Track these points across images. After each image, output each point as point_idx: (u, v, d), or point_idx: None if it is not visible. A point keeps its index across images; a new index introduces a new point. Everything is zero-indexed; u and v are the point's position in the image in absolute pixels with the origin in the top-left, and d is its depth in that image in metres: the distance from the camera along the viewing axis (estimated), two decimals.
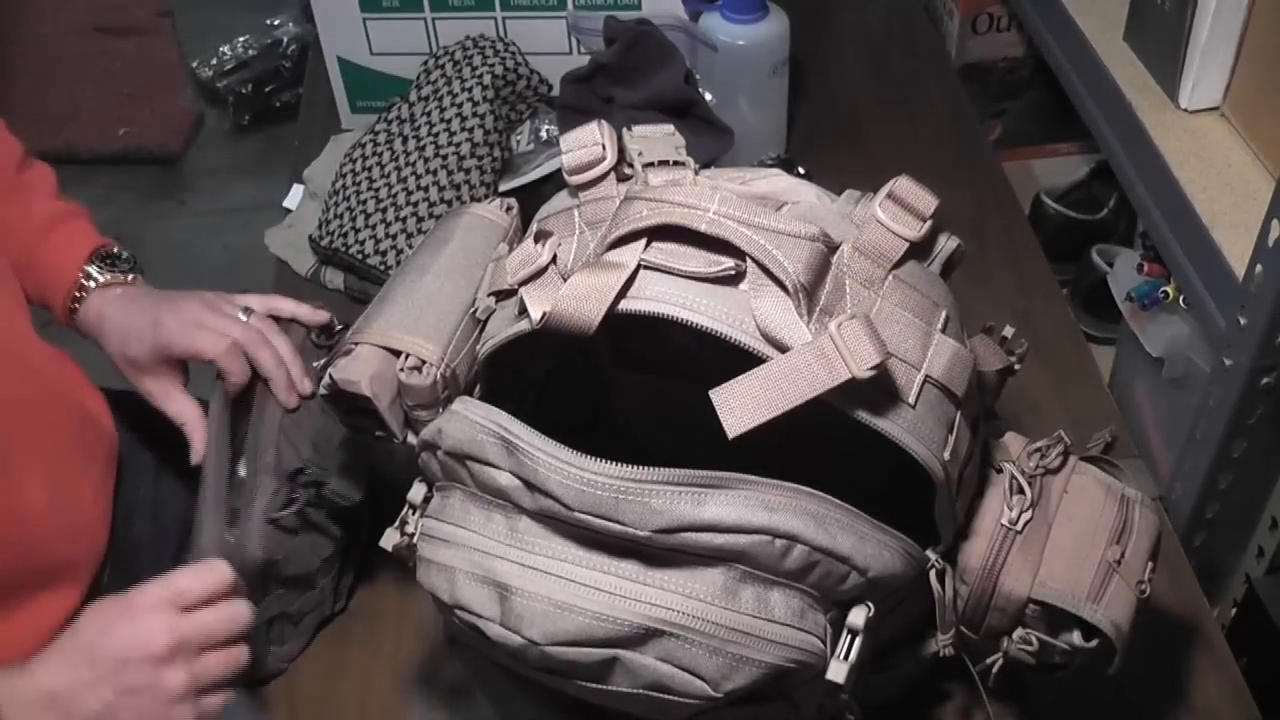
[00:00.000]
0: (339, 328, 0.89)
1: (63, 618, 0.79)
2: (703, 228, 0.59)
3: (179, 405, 0.86)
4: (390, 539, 0.66)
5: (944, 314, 0.64)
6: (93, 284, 0.89)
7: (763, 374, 0.56)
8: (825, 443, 0.67)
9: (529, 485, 0.58)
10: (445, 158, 1.09)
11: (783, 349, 0.57)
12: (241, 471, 0.82)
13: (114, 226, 2.44)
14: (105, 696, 0.66)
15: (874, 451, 0.61)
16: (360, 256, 1.09)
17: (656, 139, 0.69)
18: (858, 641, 0.60)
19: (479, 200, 1.05)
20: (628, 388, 0.88)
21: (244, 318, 0.86)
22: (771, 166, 1.01)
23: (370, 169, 1.13)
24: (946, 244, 0.67)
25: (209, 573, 0.71)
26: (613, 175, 0.67)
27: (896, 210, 0.64)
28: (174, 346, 0.84)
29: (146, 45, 2.62)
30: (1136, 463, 0.73)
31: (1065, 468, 0.70)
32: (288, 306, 0.89)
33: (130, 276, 0.90)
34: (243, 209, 2.45)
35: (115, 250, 0.92)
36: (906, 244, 0.63)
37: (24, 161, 0.93)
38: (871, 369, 0.56)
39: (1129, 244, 1.32)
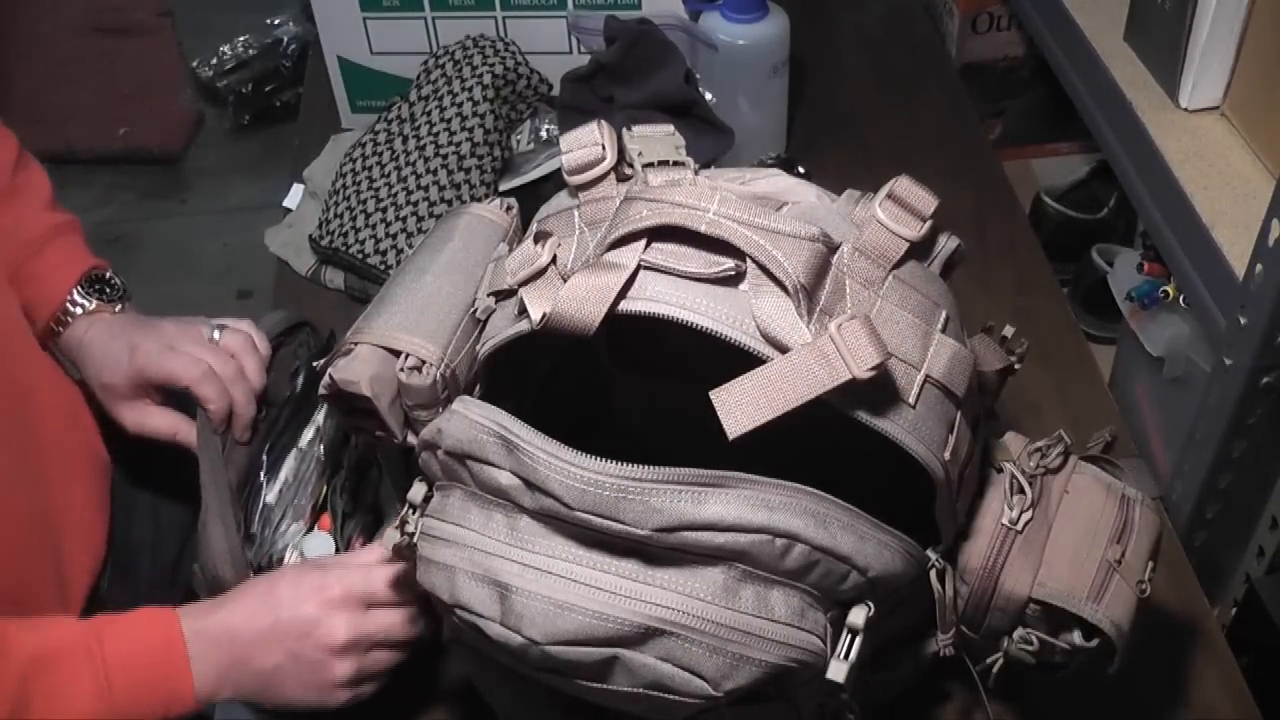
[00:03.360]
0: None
1: None
2: (702, 228, 0.59)
3: (159, 420, 0.85)
4: (390, 539, 0.66)
5: (944, 314, 0.64)
6: (79, 310, 0.87)
7: (763, 375, 0.56)
8: (825, 443, 0.67)
9: (529, 484, 0.58)
10: (445, 157, 1.09)
11: (783, 349, 0.57)
12: (270, 498, 0.81)
13: (114, 226, 2.47)
14: (277, 657, 0.70)
15: (874, 451, 0.61)
16: (360, 256, 1.09)
17: (656, 139, 0.69)
18: (858, 641, 0.60)
19: (479, 200, 1.05)
20: (628, 388, 0.88)
21: (216, 335, 0.85)
22: (771, 166, 1.01)
23: (370, 169, 1.13)
24: (946, 244, 0.67)
25: (402, 581, 0.73)
26: (612, 175, 0.67)
27: (896, 210, 0.64)
28: (149, 370, 0.83)
29: (146, 45, 2.62)
30: (1137, 462, 0.73)
31: (1065, 467, 0.70)
32: (258, 340, 0.87)
33: (119, 305, 0.88)
34: (243, 209, 2.45)
35: (106, 275, 0.89)
36: (906, 244, 0.63)
37: (20, 162, 0.91)
38: (872, 369, 0.56)
39: (1129, 244, 1.32)
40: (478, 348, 0.69)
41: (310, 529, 0.82)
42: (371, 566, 0.73)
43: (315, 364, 0.84)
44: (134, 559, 0.90)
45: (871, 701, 0.68)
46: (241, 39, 2.65)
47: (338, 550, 0.81)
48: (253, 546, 0.80)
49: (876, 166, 1.21)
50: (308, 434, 0.85)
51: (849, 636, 0.60)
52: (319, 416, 0.86)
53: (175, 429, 0.84)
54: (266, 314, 0.90)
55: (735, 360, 0.57)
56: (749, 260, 0.59)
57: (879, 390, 0.59)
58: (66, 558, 0.83)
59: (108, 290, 0.89)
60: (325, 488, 0.84)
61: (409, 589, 0.72)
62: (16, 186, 0.90)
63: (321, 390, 0.73)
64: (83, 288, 0.88)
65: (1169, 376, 1.07)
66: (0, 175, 0.89)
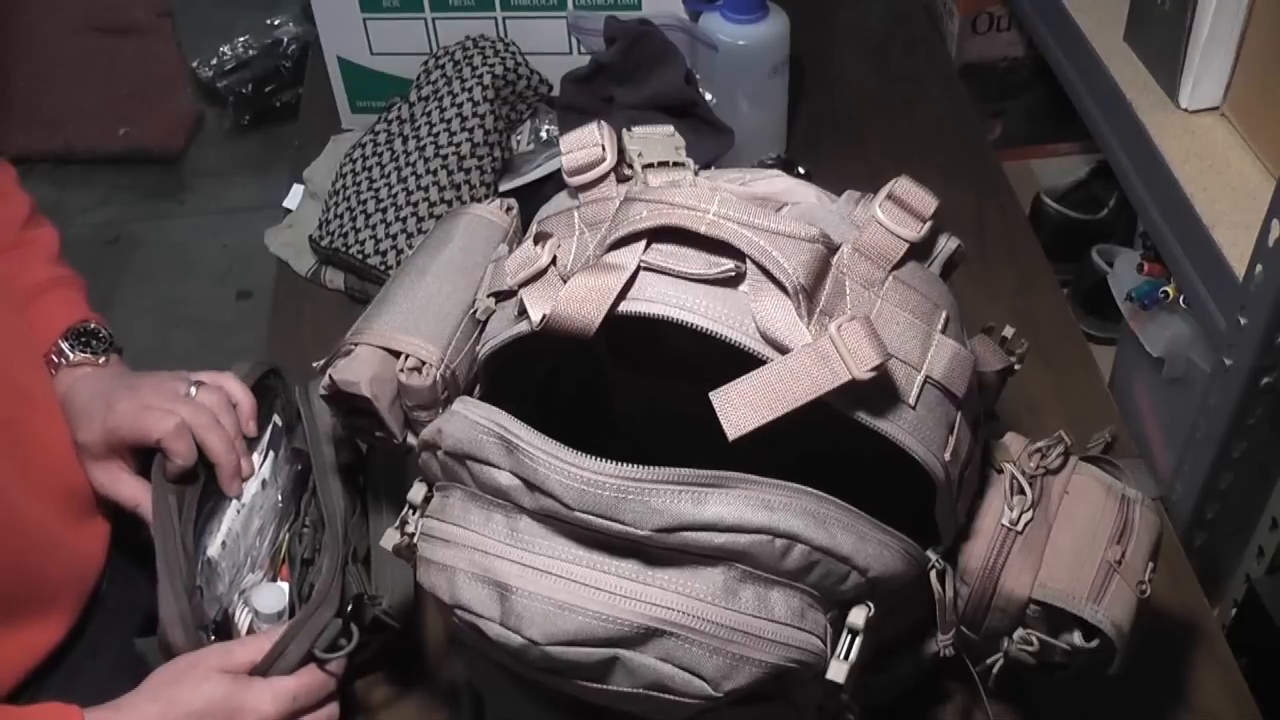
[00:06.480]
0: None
1: (47, 648, 0.80)
2: (702, 229, 0.59)
3: (126, 489, 0.83)
4: (390, 539, 0.66)
5: (944, 314, 0.64)
6: (63, 361, 0.86)
7: (763, 376, 0.56)
8: (826, 444, 0.67)
9: (529, 485, 0.58)
10: (445, 158, 1.09)
11: (783, 350, 0.57)
12: (211, 552, 0.79)
13: (114, 226, 2.48)
14: None
15: (875, 452, 0.61)
16: (360, 256, 1.09)
17: (656, 140, 0.69)
18: (858, 641, 0.60)
19: (479, 200, 1.05)
20: (628, 388, 0.88)
21: (193, 392, 0.83)
22: (771, 167, 1.01)
23: (370, 169, 1.13)
24: (946, 244, 0.67)
25: (318, 683, 0.75)
26: (612, 176, 0.67)
27: (896, 211, 0.64)
28: (121, 430, 0.81)
29: (146, 45, 2.62)
30: (1137, 463, 0.73)
31: (1065, 468, 0.70)
32: (235, 390, 0.85)
33: (103, 358, 0.87)
34: (243, 209, 2.46)
35: (93, 328, 0.88)
36: (906, 245, 0.63)
37: (31, 219, 0.92)
38: (872, 370, 0.56)
39: (1129, 244, 1.32)
40: (478, 348, 0.69)
41: (273, 578, 0.80)
42: (282, 683, 0.73)
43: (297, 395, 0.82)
44: (135, 569, 0.90)
45: (871, 702, 0.68)
46: (241, 39, 2.65)
47: (291, 601, 0.79)
48: (201, 602, 0.78)
49: (876, 166, 1.21)
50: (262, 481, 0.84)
51: (849, 637, 0.60)
52: (268, 464, 0.84)
53: (138, 501, 0.82)
54: (237, 363, 0.88)
55: (736, 361, 0.57)
56: (749, 261, 0.59)
57: (879, 391, 0.59)
58: (66, 564, 0.83)
59: (94, 342, 0.88)
60: (287, 534, 0.82)
61: (323, 687, 0.74)
62: (24, 240, 0.91)
63: (321, 391, 0.73)
64: (70, 339, 0.87)
65: (1169, 377, 1.07)
66: (9, 229, 0.90)
